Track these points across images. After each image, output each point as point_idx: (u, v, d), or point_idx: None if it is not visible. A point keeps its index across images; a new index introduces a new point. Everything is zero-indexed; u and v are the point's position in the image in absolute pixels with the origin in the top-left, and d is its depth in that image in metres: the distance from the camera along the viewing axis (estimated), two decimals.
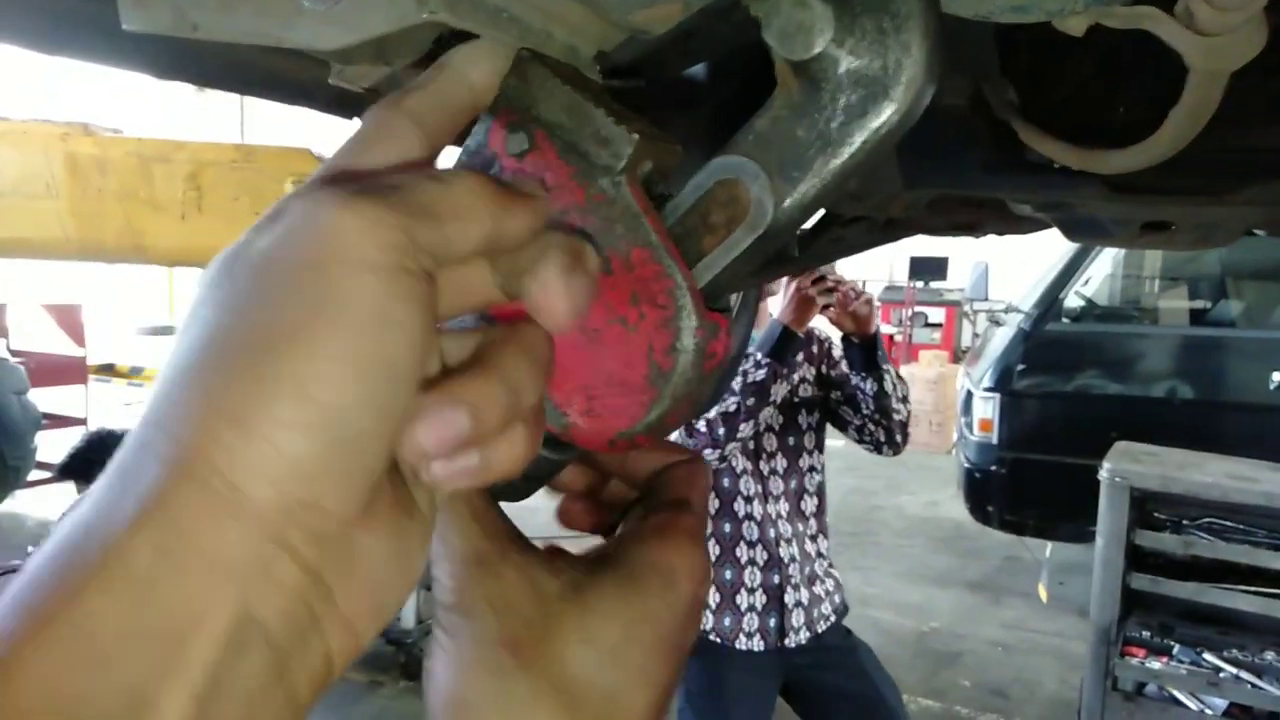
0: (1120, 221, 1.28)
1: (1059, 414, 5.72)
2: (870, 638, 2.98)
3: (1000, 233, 1.84)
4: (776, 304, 2.72)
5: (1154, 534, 3.58)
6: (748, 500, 2.71)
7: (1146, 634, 3.58)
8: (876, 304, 2.76)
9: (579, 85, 0.42)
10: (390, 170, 0.35)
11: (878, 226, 1.84)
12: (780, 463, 2.76)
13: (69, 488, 3.64)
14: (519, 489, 0.46)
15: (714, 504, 2.73)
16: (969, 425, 6.01)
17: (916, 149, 1.28)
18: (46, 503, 7.13)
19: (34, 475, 6.49)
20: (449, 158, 0.45)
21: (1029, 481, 5.71)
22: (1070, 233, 1.49)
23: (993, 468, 5.77)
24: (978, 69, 1.15)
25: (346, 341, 0.28)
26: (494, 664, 0.40)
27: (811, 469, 2.82)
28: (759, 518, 2.70)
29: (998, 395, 5.76)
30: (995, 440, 5.76)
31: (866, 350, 2.69)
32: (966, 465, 5.98)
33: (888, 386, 2.69)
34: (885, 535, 7.60)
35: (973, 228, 1.83)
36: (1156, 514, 3.68)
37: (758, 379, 2.54)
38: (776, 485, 2.74)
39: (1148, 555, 3.60)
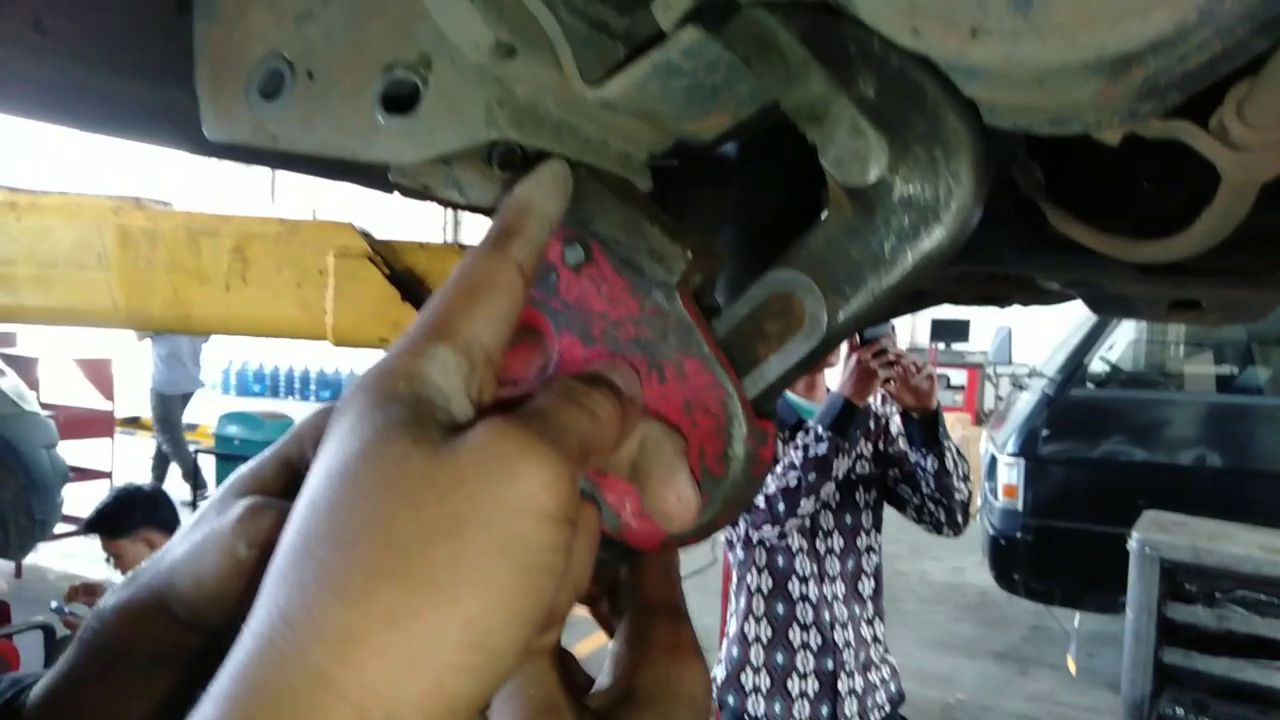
0: (1149, 300, 1.29)
1: (1085, 480, 5.65)
2: None
3: (1026, 304, 1.85)
4: (835, 375, 2.66)
5: (1186, 606, 3.52)
6: (803, 580, 2.62)
7: (1181, 711, 3.49)
8: (937, 377, 2.69)
9: (633, 201, 0.44)
10: (542, 380, 0.40)
11: (904, 298, 1.85)
12: (837, 542, 2.67)
13: (94, 542, 3.66)
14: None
15: (768, 583, 2.66)
16: (993, 491, 5.94)
17: None
18: (71, 556, 7.16)
19: (60, 528, 6.53)
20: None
21: (1055, 549, 5.62)
22: (1097, 308, 1.50)
23: (1018, 534, 5.69)
24: (1004, 148, 1.17)
25: (523, 592, 0.30)
26: None
27: (869, 549, 2.73)
28: (814, 599, 2.61)
29: (1022, 460, 5.71)
30: (1020, 506, 5.69)
31: (927, 426, 2.61)
32: (991, 532, 5.90)
33: (949, 464, 2.61)
34: (909, 602, 7.47)
35: (999, 299, 1.84)
36: (1188, 586, 3.61)
37: (819, 453, 2.47)
38: (833, 565, 2.65)
39: (1180, 628, 3.52)
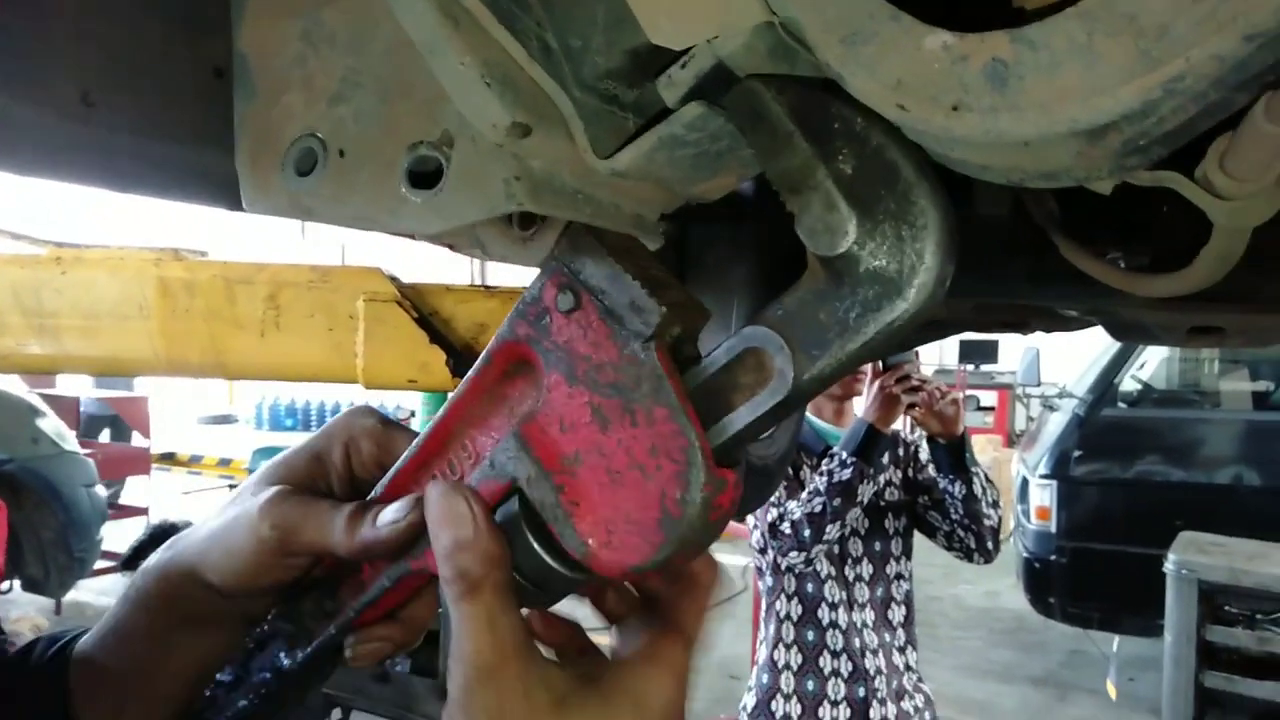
0: (1167, 327, 1.30)
1: (1120, 502, 5.57)
2: None
3: (1047, 330, 1.85)
4: (861, 404, 2.66)
5: (1226, 629, 3.46)
6: (832, 607, 2.62)
7: None
8: (963, 402, 2.70)
9: (622, 255, 0.48)
10: None
11: (922, 326, 1.86)
12: (866, 569, 2.67)
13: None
14: (542, 600, 0.51)
15: (797, 610, 2.66)
16: (1026, 513, 5.88)
17: (960, 259, 1.31)
18: (108, 594, 7.26)
19: (98, 564, 6.63)
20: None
21: (1091, 572, 5.54)
22: (1116, 334, 1.50)
23: (1052, 557, 5.62)
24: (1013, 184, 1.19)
25: None
26: None
27: (899, 576, 2.72)
28: (844, 626, 2.61)
29: (1055, 482, 5.64)
30: (1054, 529, 5.62)
31: (954, 452, 2.60)
32: (1025, 554, 5.83)
33: (977, 490, 2.59)
34: (944, 627, 7.38)
35: (1019, 326, 1.84)
36: (1228, 608, 3.55)
37: (843, 478, 2.48)
38: (862, 592, 2.65)
39: (1220, 652, 3.46)
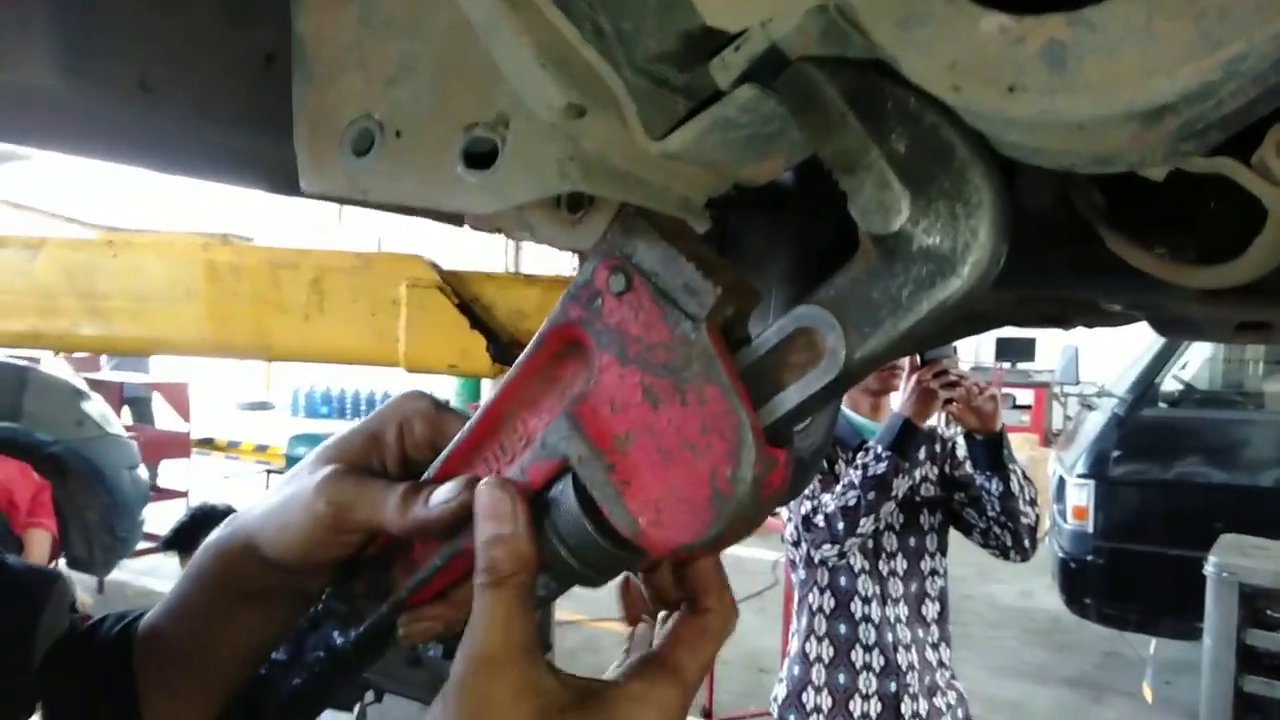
0: (1213, 321, 1.28)
1: (1158, 503, 5.49)
2: None
3: (1090, 325, 1.83)
4: (898, 399, 2.64)
5: (1267, 634, 3.40)
6: (865, 601, 2.61)
7: None
8: (1001, 399, 2.65)
9: (675, 237, 0.48)
10: None
11: (963, 319, 1.85)
12: (900, 564, 2.65)
13: (172, 559, 3.81)
14: (593, 579, 0.52)
15: (830, 603, 2.65)
16: (1062, 513, 5.81)
17: None
18: (150, 573, 7.41)
19: (140, 545, 6.77)
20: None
21: (1128, 573, 5.46)
22: (1161, 329, 1.48)
23: (1089, 558, 5.55)
24: (1063, 171, 1.18)
25: None
26: None
27: (934, 573, 2.70)
28: (877, 620, 2.59)
29: (1092, 482, 5.57)
30: (1091, 529, 5.55)
31: (991, 448, 2.58)
32: (1061, 555, 5.76)
33: (1014, 487, 2.57)
34: (976, 626, 7.31)
35: (1061, 320, 1.82)
36: (1269, 612, 3.49)
37: (878, 472, 2.46)
38: (896, 587, 2.63)
39: (1261, 656, 3.41)
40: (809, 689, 2.64)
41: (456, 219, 1.05)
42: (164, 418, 9.61)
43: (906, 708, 2.55)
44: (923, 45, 0.40)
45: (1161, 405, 5.80)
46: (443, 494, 0.53)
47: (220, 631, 0.61)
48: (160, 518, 6.39)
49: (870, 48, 0.43)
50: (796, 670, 2.69)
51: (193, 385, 10.05)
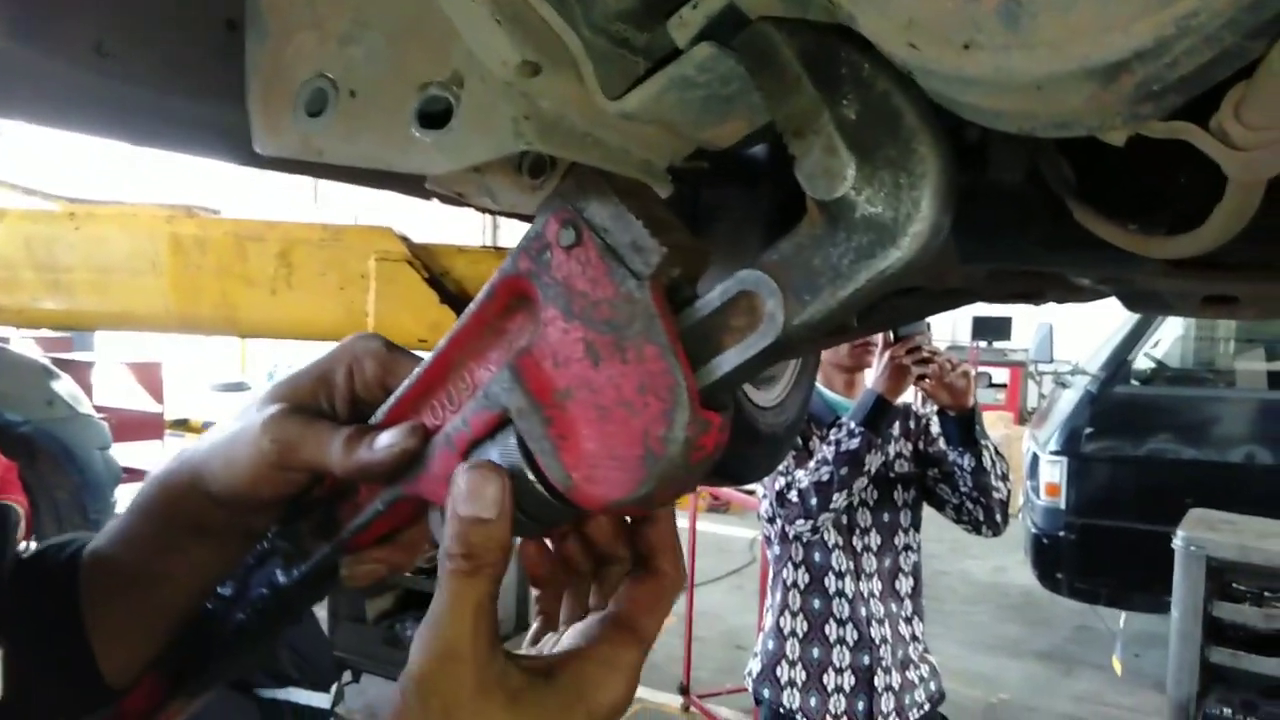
0: (1181, 295, 1.29)
1: (1130, 479, 5.56)
2: None
3: (1060, 301, 1.84)
4: (871, 376, 2.66)
5: (1233, 606, 3.47)
6: (839, 576, 2.64)
7: (1228, 711, 3.44)
8: (974, 376, 2.68)
9: (628, 195, 0.48)
10: None
11: (935, 295, 1.86)
12: (874, 539, 2.68)
13: None
14: (528, 527, 0.52)
15: (804, 578, 2.68)
16: (1035, 489, 5.88)
17: (973, 225, 1.30)
18: None
19: None
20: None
21: (1100, 548, 5.55)
22: (1131, 305, 1.49)
23: (1061, 533, 5.62)
24: (1033, 145, 1.18)
25: None
26: None
27: (907, 548, 2.74)
28: (850, 595, 2.63)
29: (1065, 459, 5.64)
30: (1063, 505, 5.62)
31: (963, 424, 2.61)
32: (1034, 530, 5.84)
33: (986, 462, 2.60)
34: (951, 602, 7.41)
35: (1032, 296, 1.84)
36: (1235, 585, 3.56)
37: (851, 448, 2.49)
38: (870, 563, 2.67)
39: (1227, 628, 3.47)
40: (783, 663, 2.67)
41: (423, 190, 1.04)
42: (137, 398, 9.49)
43: (880, 680, 2.59)
44: (880, 2, 0.40)
45: (1134, 383, 5.86)
46: (386, 439, 0.53)
47: (163, 564, 0.61)
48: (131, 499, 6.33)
49: (830, 9, 0.43)
50: (771, 645, 2.71)
51: (166, 365, 9.95)
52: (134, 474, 8.00)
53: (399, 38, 0.48)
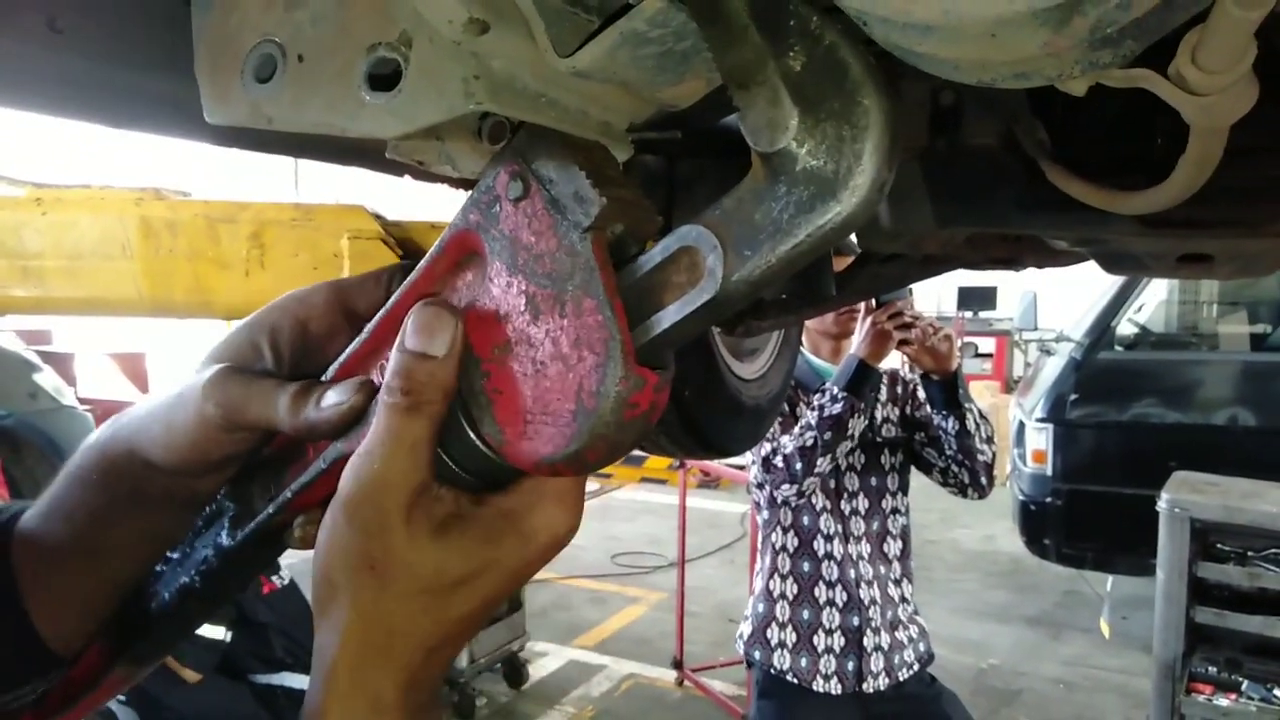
0: (1156, 255, 1.29)
1: (1115, 444, 5.61)
2: None
3: (1039, 266, 1.84)
4: (856, 341, 2.68)
5: (1217, 566, 3.50)
6: (828, 539, 2.67)
7: (1213, 670, 3.48)
8: (956, 340, 2.70)
9: (578, 149, 0.47)
10: None
11: (915, 263, 1.86)
12: (862, 503, 2.71)
13: None
14: (469, 483, 0.50)
15: (793, 542, 2.71)
16: (1022, 457, 5.92)
17: (949, 189, 1.30)
18: None
19: None
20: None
21: (1086, 513, 5.59)
22: (1108, 266, 1.49)
23: (1048, 500, 5.67)
24: (1008, 109, 1.18)
25: None
26: (359, 568, 0.47)
27: (895, 511, 2.76)
28: (839, 557, 2.65)
29: (1051, 426, 5.67)
30: (1050, 472, 5.66)
31: (947, 388, 2.63)
32: (1021, 498, 5.88)
33: (970, 425, 2.63)
34: (940, 570, 7.47)
35: (1011, 262, 1.84)
36: (1219, 545, 3.59)
37: (834, 412, 2.51)
38: (858, 526, 2.69)
39: (1211, 588, 3.51)
40: (774, 625, 2.70)
41: (392, 165, 1.02)
42: (121, 389, 9.43)
43: (869, 640, 2.62)
44: None
45: (1117, 349, 5.89)
46: (334, 396, 0.51)
47: (104, 533, 0.59)
48: None
49: None
50: (761, 607, 2.74)
51: (150, 356, 9.88)
52: None
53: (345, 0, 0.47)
